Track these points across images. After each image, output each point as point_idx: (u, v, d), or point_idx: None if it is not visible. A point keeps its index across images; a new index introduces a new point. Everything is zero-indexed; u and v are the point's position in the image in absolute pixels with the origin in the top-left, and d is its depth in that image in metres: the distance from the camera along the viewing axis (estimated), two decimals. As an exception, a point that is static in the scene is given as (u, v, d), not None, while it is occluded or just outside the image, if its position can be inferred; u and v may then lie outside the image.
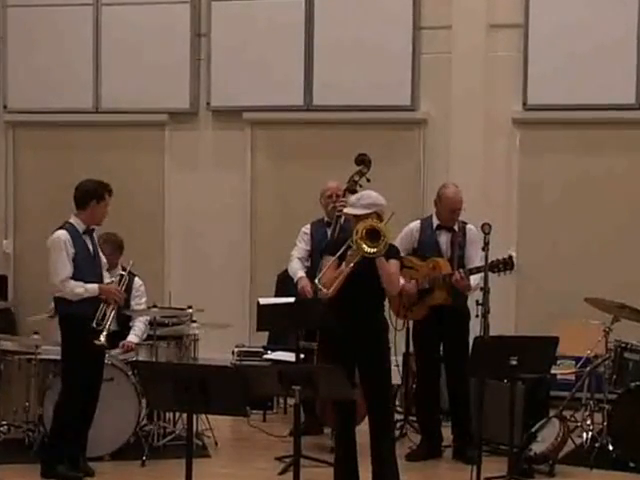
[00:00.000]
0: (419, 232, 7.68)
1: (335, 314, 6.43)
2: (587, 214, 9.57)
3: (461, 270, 7.34)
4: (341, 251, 6.35)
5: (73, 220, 7.04)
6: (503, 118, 9.70)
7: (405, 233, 7.72)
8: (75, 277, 6.92)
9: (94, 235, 7.18)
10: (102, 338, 6.95)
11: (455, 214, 7.59)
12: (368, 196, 6.48)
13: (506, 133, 9.76)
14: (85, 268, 6.99)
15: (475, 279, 7.28)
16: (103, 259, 7.31)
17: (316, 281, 6.42)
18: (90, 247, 7.08)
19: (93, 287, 6.97)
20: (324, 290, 6.32)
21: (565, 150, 9.66)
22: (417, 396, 7.92)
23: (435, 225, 7.66)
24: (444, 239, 7.62)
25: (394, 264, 6.44)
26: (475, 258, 7.39)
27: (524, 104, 9.68)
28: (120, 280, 7.27)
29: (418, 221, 7.81)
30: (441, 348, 7.65)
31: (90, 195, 7.04)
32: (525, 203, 9.74)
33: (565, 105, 9.49)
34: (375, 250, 6.20)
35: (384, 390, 6.54)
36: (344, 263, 6.31)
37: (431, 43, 9.86)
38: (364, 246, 6.19)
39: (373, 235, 6.21)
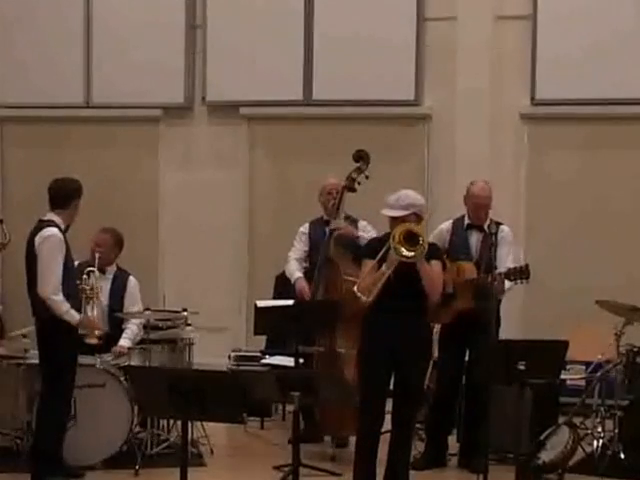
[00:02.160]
0: (450, 232, 7.66)
1: (375, 318, 6.42)
2: (598, 212, 9.57)
3: (495, 273, 7.30)
4: (381, 253, 6.33)
5: (55, 218, 7.01)
6: (510, 113, 9.71)
7: (436, 233, 7.71)
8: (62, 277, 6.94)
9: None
10: (97, 332, 7.07)
11: (481, 211, 7.57)
12: (406, 196, 6.45)
13: (514, 129, 9.76)
14: (69, 268, 7.04)
15: (507, 285, 7.28)
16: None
17: (354, 288, 6.39)
18: (69, 249, 7.11)
19: (75, 317, 6.93)
20: (363, 298, 6.31)
21: (575, 146, 9.67)
22: (433, 401, 7.89)
23: (466, 225, 7.65)
24: (474, 240, 7.61)
25: (436, 265, 6.44)
26: (505, 259, 7.37)
27: (532, 99, 9.69)
28: (88, 273, 7.31)
29: (450, 221, 7.80)
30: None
31: (75, 195, 7.09)
32: (533, 201, 9.75)
33: (575, 100, 9.50)
34: (414, 254, 6.19)
35: (416, 401, 6.57)
36: (384, 265, 6.30)
37: (436, 35, 9.87)
38: (402, 250, 6.18)
39: (411, 238, 6.20)
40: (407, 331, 6.39)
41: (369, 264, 6.43)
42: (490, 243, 7.06)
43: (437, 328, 7.81)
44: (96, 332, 7.10)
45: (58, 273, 6.88)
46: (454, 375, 7.67)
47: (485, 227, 7.57)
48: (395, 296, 6.32)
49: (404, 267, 6.28)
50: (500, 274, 7.17)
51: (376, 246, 6.51)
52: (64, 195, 7.07)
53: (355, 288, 6.40)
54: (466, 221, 7.67)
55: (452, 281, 7.46)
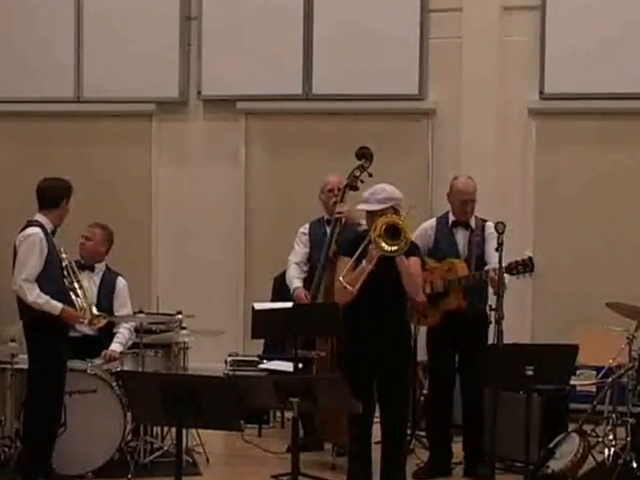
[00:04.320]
0: (435, 230, 7.67)
1: (353, 319, 6.44)
2: (609, 212, 9.57)
3: (490, 268, 7.31)
4: (360, 249, 6.35)
5: (41, 219, 7.18)
6: (518, 108, 9.71)
7: (420, 232, 7.70)
8: (41, 278, 7.04)
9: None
10: (95, 311, 7.29)
11: (466, 206, 7.58)
12: (382, 190, 6.49)
13: (521, 124, 9.76)
14: (54, 268, 7.15)
15: (507, 276, 7.29)
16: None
17: (340, 279, 6.41)
18: (56, 249, 7.23)
19: (56, 305, 7.07)
20: (349, 288, 6.32)
21: (585, 142, 9.66)
22: (428, 408, 7.91)
23: (451, 222, 7.66)
24: (461, 237, 7.62)
25: (414, 261, 6.46)
26: (494, 255, 7.38)
27: (541, 93, 9.68)
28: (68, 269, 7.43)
29: (434, 219, 7.80)
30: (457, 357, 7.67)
31: (62, 194, 7.24)
32: (542, 200, 9.74)
33: (585, 94, 9.50)
34: (396, 248, 6.23)
35: (402, 404, 6.59)
36: (364, 261, 6.32)
37: (440, 27, 9.87)
38: (383, 244, 6.22)
39: (393, 232, 6.22)
40: (387, 333, 6.42)
41: (347, 261, 6.45)
42: (499, 243, 7.05)
43: (424, 330, 7.84)
44: (87, 320, 7.29)
45: (33, 266, 7.02)
46: (447, 378, 7.68)
47: (472, 224, 7.59)
48: (373, 297, 6.34)
49: (382, 265, 6.29)
50: (501, 268, 7.17)
51: (355, 243, 6.54)
52: (52, 195, 7.22)
53: (341, 278, 6.40)
54: (451, 218, 7.68)
55: (443, 279, 7.46)
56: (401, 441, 6.73)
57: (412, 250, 6.46)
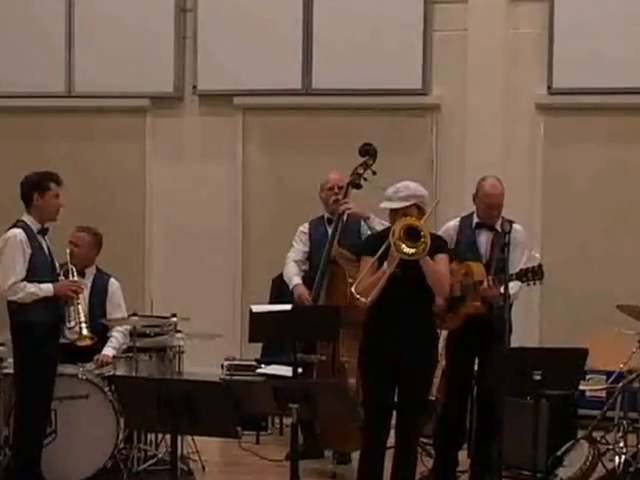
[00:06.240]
0: (457, 231, 7.64)
1: (375, 323, 6.42)
2: (620, 210, 9.57)
3: (490, 277, 7.27)
4: (381, 250, 6.35)
5: (26, 219, 7.17)
6: (525, 103, 9.71)
7: (442, 232, 7.68)
8: (29, 280, 7.04)
9: (46, 237, 7.27)
10: (85, 332, 7.21)
11: (493, 210, 7.53)
12: (406, 187, 6.49)
13: (529, 120, 9.77)
14: (40, 270, 7.11)
15: (513, 287, 7.22)
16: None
17: (352, 289, 6.40)
18: (45, 248, 7.20)
19: (47, 287, 7.08)
20: (362, 299, 6.32)
21: (595, 139, 9.67)
22: (441, 413, 7.88)
23: (474, 223, 7.63)
24: (484, 239, 7.56)
25: (442, 259, 6.45)
26: (518, 262, 7.36)
27: (549, 87, 9.69)
28: (67, 273, 7.38)
29: (458, 219, 7.77)
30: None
31: (32, 188, 7.17)
32: (550, 198, 9.75)
33: (595, 89, 9.49)
34: (414, 251, 6.21)
35: (420, 411, 6.57)
36: (385, 264, 6.31)
37: (445, 19, 9.88)
38: (403, 247, 6.21)
39: (412, 234, 6.22)
40: (412, 338, 6.39)
41: (368, 261, 6.44)
42: (503, 243, 7.04)
43: (444, 335, 7.83)
44: (74, 290, 7.22)
45: (20, 268, 7.00)
46: (463, 385, 7.66)
47: (497, 226, 7.56)
48: (397, 299, 6.32)
49: (407, 265, 6.28)
50: (494, 279, 7.13)
51: (374, 242, 6.53)
52: (22, 193, 7.20)
53: (353, 289, 6.40)
54: (475, 220, 7.64)
55: (460, 283, 7.45)
56: (414, 447, 6.71)
57: (440, 247, 6.45)
